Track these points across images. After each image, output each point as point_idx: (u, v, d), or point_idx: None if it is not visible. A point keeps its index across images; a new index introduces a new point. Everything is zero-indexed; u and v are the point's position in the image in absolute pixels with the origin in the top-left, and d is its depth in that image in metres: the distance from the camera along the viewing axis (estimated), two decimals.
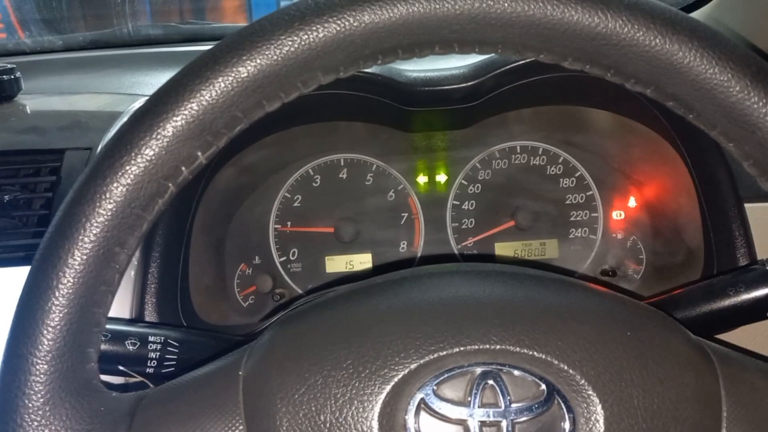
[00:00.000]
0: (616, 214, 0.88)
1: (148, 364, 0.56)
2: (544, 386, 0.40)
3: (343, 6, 0.39)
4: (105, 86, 0.92)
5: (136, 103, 0.77)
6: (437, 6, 0.39)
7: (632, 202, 0.88)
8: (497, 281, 0.46)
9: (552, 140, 0.87)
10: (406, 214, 0.87)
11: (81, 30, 1.32)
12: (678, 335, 0.44)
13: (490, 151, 0.87)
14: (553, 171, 0.88)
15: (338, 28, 0.39)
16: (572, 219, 0.88)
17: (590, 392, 0.40)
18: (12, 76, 0.81)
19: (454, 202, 0.87)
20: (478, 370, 0.40)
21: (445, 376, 0.40)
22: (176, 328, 0.60)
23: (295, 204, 0.86)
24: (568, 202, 0.88)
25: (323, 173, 0.87)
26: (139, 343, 0.56)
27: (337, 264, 0.86)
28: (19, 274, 0.60)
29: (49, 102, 0.87)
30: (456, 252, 0.87)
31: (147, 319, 0.69)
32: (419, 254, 0.87)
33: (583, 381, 0.40)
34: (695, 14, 0.94)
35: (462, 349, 0.41)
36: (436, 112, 0.82)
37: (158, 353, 0.56)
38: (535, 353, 0.40)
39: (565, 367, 0.40)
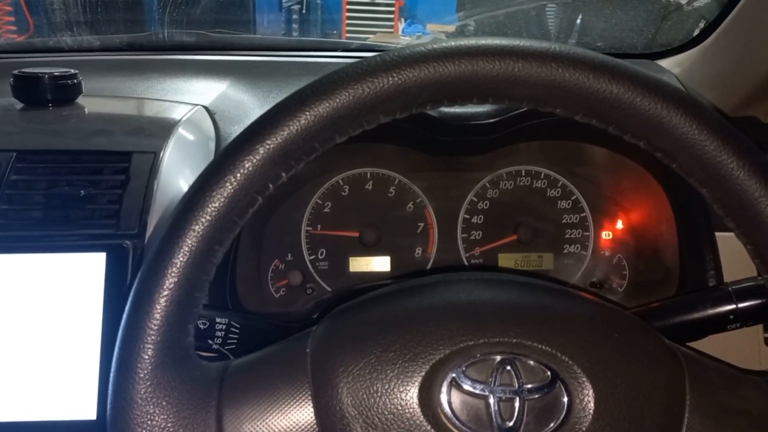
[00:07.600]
0: (605, 235, 0.95)
1: (215, 341, 0.62)
2: (549, 372, 0.46)
3: (404, 64, 0.46)
4: (149, 91, 0.95)
5: (189, 112, 0.83)
6: (478, 69, 0.45)
7: (619, 225, 0.95)
8: (514, 288, 0.52)
9: (554, 167, 0.94)
10: (422, 224, 0.94)
11: (115, 32, 1.32)
12: (655, 339, 0.50)
13: (499, 173, 0.94)
14: (552, 194, 0.95)
15: (399, 82, 0.45)
16: (567, 236, 0.95)
17: (584, 379, 0.46)
18: (75, 81, 0.84)
19: (465, 216, 0.94)
20: (498, 357, 0.46)
21: (472, 361, 0.46)
22: (237, 312, 0.68)
23: (325, 210, 0.93)
24: (564, 221, 0.95)
25: (351, 184, 0.94)
26: (208, 324, 0.62)
27: (360, 264, 0.94)
28: (92, 258, 0.66)
29: (108, 105, 0.91)
30: (464, 259, 0.94)
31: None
32: (432, 260, 0.94)
33: (579, 370, 0.46)
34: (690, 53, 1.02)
35: (486, 340, 0.47)
36: (458, 140, 0.90)
37: (223, 333, 0.62)
38: (544, 347, 0.47)
39: (566, 359, 0.47)
